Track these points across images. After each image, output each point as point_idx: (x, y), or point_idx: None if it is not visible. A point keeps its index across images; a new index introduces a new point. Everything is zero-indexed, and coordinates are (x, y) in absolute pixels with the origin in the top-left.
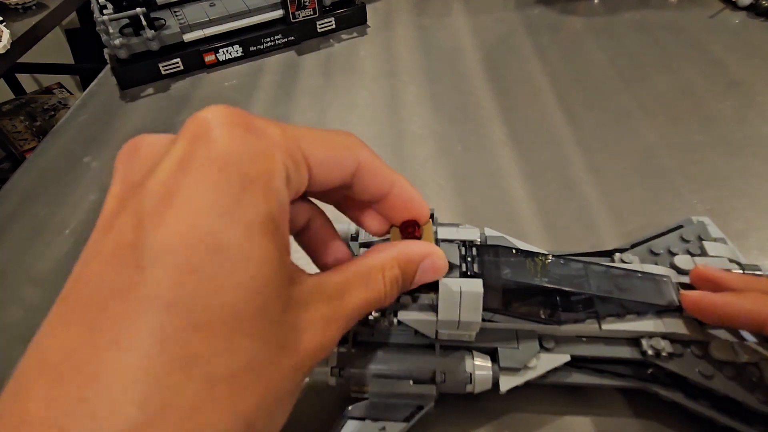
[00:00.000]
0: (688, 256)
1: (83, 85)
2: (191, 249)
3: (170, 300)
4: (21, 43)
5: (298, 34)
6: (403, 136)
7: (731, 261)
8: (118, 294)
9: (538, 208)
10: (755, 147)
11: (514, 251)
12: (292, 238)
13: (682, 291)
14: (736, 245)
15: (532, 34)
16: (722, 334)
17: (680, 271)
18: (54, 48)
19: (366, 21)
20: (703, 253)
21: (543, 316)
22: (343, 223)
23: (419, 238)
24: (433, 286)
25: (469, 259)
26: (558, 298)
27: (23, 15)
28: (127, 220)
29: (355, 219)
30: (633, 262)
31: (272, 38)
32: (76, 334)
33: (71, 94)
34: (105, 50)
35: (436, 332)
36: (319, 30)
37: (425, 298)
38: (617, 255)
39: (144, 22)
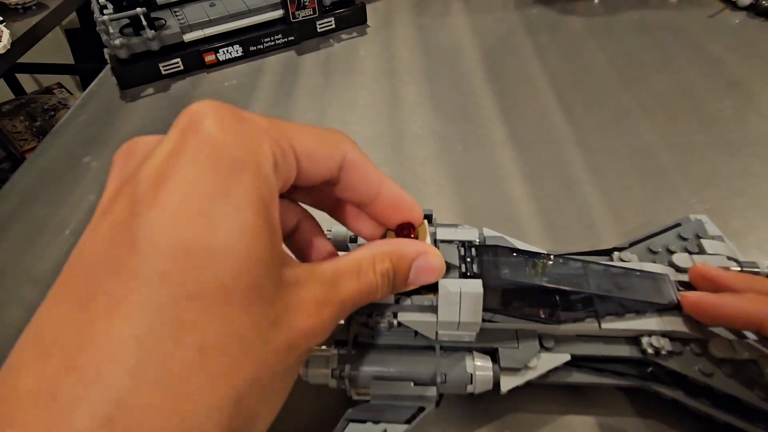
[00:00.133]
0: (687, 254)
1: (83, 85)
2: (183, 225)
3: (162, 272)
4: (21, 43)
5: (298, 34)
6: (403, 135)
7: (729, 259)
8: (112, 270)
9: (537, 207)
10: (754, 147)
11: (513, 251)
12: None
13: (682, 292)
14: (735, 244)
15: (532, 34)
16: (722, 331)
17: (679, 269)
18: (54, 48)
19: (366, 21)
20: (701, 251)
21: (543, 316)
22: (340, 226)
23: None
24: (432, 288)
25: (468, 259)
26: (557, 297)
27: (23, 15)
28: (122, 203)
29: (349, 225)
30: (631, 260)
31: (272, 38)
32: (68, 309)
33: (71, 94)
34: (105, 50)
35: (437, 333)
36: (319, 30)
37: (425, 300)
38: (616, 254)
39: (144, 22)
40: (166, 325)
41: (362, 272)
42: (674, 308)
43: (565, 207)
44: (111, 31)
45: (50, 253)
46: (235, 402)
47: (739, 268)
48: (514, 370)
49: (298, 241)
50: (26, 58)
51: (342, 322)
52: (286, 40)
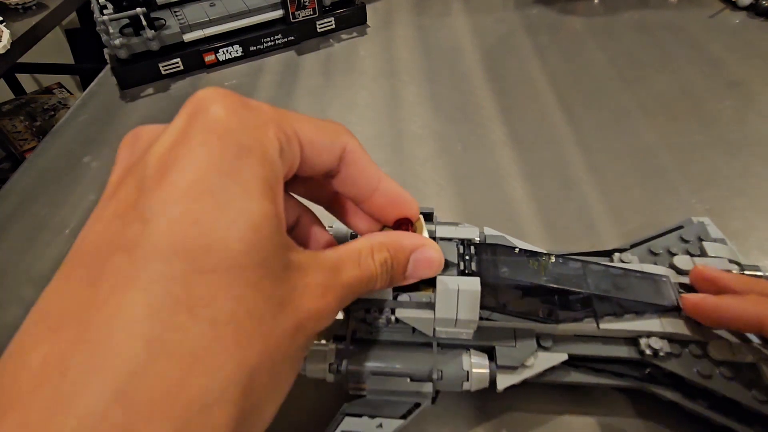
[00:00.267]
0: (688, 257)
1: (83, 85)
2: (193, 202)
3: (173, 248)
4: (21, 43)
5: (298, 34)
6: (403, 136)
7: (731, 261)
8: (122, 248)
9: (537, 207)
10: (755, 147)
11: (512, 250)
12: None
13: (683, 294)
14: (735, 245)
15: (532, 34)
16: (723, 334)
17: (679, 272)
18: (54, 48)
19: (366, 21)
20: (703, 253)
21: (541, 315)
22: (340, 224)
23: None
24: (431, 283)
25: (467, 257)
26: (556, 297)
27: (23, 15)
28: (130, 185)
29: (346, 220)
30: (632, 261)
31: (272, 38)
32: (77, 288)
33: (71, 94)
34: (105, 50)
35: (434, 330)
36: (318, 30)
37: (423, 296)
38: (616, 255)
39: (144, 22)
40: (180, 299)
41: (362, 260)
42: (674, 310)
43: (565, 207)
44: (111, 31)
45: (50, 253)
46: (248, 377)
47: (740, 271)
48: (510, 369)
49: (298, 235)
50: (26, 58)
51: (340, 317)
52: (286, 40)
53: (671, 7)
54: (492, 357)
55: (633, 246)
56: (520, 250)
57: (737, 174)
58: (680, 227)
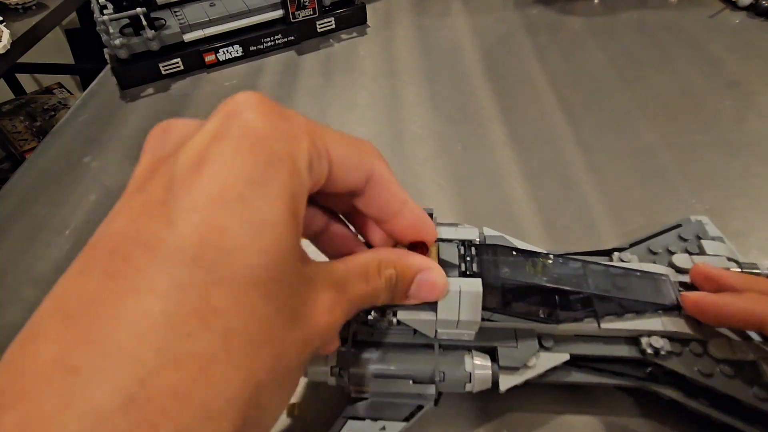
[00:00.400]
0: (687, 255)
1: (83, 85)
2: (220, 209)
3: (195, 254)
4: (21, 43)
5: (298, 34)
6: (403, 136)
7: (729, 260)
8: (144, 245)
9: (537, 207)
10: (754, 147)
11: (513, 251)
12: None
13: (683, 292)
14: (735, 245)
15: (532, 34)
16: (723, 332)
17: (679, 270)
18: (54, 48)
19: (366, 21)
20: (702, 251)
21: (542, 315)
22: None
23: None
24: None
25: (468, 258)
26: (557, 297)
27: (23, 15)
28: (158, 182)
29: (361, 231)
30: (631, 261)
31: (272, 38)
32: (95, 280)
33: (71, 94)
34: (105, 50)
35: (436, 332)
36: (318, 30)
37: None
38: (616, 254)
39: (144, 22)
40: (195, 308)
41: (369, 275)
42: (674, 309)
43: (565, 207)
44: (111, 31)
45: (50, 253)
46: (255, 389)
47: (739, 270)
48: (512, 369)
49: (328, 240)
50: (26, 58)
51: None
52: (286, 40)
53: (671, 7)
54: (494, 358)
55: (632, 245)
56: (521, 250)
57: (737, 174)
58: (678, 226)
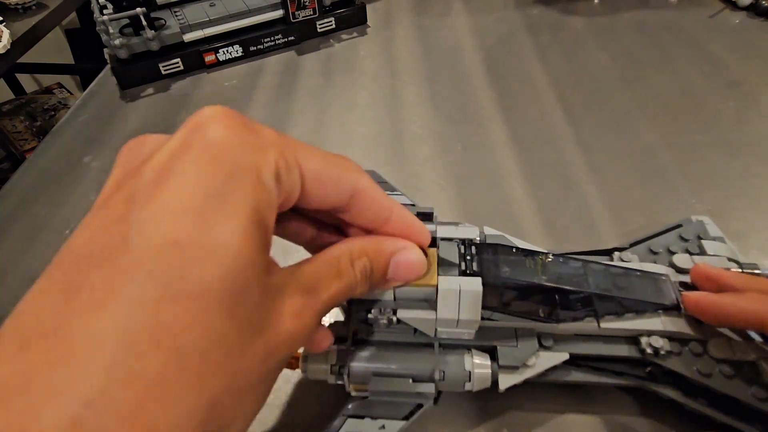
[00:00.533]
0: (687, 255)
1: (83, 85)
2: (177, 224)
3: (150, 270)
4: (21, 43)
5: (298, 34)
6: (403, 136)
7: (730, 260)
8: (101, 263)
9: (537, 207)
10: (755, 147)
11: (513, 250)
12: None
13: (684, 292)
14: (735, 245)
15: (533, 34)
16: (723, 332)
17: (679, 270)
18: (54, 48)
19: (366, 21)
20: (702, 251)
21: (542, 315)
22: None
23: None
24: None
25: (468, 257)
26: (557, 296)
27: (23, 15)
28: (121, 197)
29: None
30: (632, 260)
31: (272, 38)
32: (52, 301)
33: (71, 94)
34: (105, 50)
35: (435, 330)
36: (319, 30)
37: (423, 294)
38: (616, 254)
39: (144, 22)
40: (147, 326)
41: (342, 270)
42: (674, 308)
43: (565, 207)
44: (111, 31)
45: (50, 253)
46: (209, 408)
47: (739, 270)
48: (512, 369)
49: (317, 249)
50: (26, 58)
51: (341, 318)
52: (286, 40)
53: (671, 7)
54: (494, 357)
55: (632, 245)
56: (521, 249)
57: (737, 174)
58: (679, 225)
